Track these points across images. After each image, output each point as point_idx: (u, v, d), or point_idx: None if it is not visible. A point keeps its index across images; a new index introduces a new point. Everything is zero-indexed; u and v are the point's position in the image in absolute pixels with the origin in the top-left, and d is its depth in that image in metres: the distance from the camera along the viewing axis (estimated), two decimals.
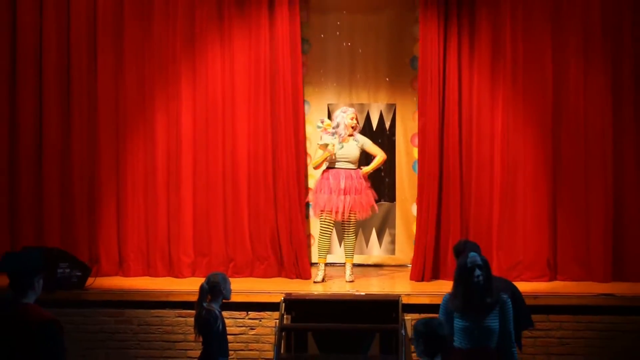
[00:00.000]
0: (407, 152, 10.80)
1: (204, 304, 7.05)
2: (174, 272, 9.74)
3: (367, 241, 10.76)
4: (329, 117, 10.51)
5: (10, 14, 9.95)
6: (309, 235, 10.81)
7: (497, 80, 9.68)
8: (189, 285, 8.88)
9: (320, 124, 9.64)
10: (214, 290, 7.05)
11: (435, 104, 9.63)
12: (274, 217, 9.88)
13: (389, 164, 10.75)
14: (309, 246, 10.18)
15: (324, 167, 9.67)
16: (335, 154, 9.51)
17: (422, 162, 9.82)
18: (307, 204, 10.51)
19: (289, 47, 9.85)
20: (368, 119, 10.83)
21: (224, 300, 7.13)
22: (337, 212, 9.41)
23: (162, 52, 9.91)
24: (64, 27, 9.91)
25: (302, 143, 10.07)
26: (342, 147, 9.54)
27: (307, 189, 10.21)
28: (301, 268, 9.71)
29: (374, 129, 10.79)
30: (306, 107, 10.78)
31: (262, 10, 9.97)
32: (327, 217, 9.49)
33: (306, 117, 10.88)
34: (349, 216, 9.45)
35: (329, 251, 9.71)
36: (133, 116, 9.92)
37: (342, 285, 9.30)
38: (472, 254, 5.99)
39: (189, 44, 9.87)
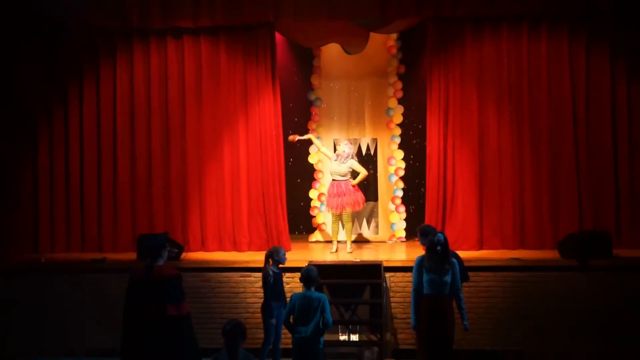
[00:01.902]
0: (385, 169, 10.85)
1: (266, 266, 7.31)
2: (236, 248, 9.72)
3: (360, 226, 10.83)
4: (334, 148, 10.50)
5: (129, 82, 9.95)
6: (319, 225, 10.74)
7: (448, 121, 9.69)
8: (247, 257, 9.14)
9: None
10: (272, 257, 7.35)
11: (434, 138, 9.61)
12: (273, 215, 9.77)
13: (373, 177, 10.82)
14: (287, 232, 9.88)
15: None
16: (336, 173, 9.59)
17: (430, 173, 9.69)
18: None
19: (273, 117, 9.74)
20: (360, 148, 10.91)
21: (280, 265, 7.33)
22: (336, 208, 9.54)
23: (227, 105, 9.85)
24: (163, 91, 9.92)
25: (283, 180, 9.93)
26: (339, 166, 9.59)
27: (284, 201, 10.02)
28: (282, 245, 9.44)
29: (364, 154, 10.90)
30: (319, 140, 10.61)
31: (262, 91, 9.83)
32: (333, 211, 9.62)
33: (320, 147, 10.61)
34: (344, 210, 9.54)
35: (338, 233, 9.74)
36: (209, 147, 9.88)
37: (345, 255, 9.33)
38: (439, 234, 6.37)
39: (244, 99, 9.83)
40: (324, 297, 6.24)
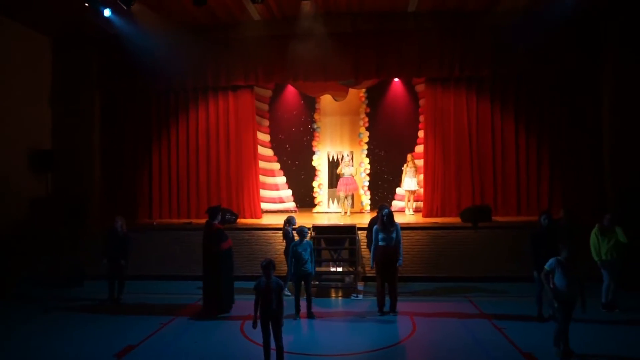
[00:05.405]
0: (358, 169, 10.69)
1: (285, 227, 7.24)
2: (257, 216, 9.65)
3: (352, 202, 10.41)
4: (335, 160, 10.54)
5: (206, 116, 9.84)
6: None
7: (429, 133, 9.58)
8: (274, 221, 9.01)
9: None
10: (288, 222, 7.28)
11: (431, 149, 9.44)
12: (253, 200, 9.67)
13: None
14: (259, 208, 9.69)
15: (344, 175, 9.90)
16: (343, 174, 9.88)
17: (427, 168, 9.48)
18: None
19: (252, 143, 9.65)
20: (344, 156, 10.53)
21: (293, 227, 7.28)
22: (345, 192, 9.79)
23: (247, 143, 9.73)
24: (226, 121, 9.70)
25: (258, 180, 9.80)
26: (347, 169, 9.86)
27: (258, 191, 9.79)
28: (254, 216, 9.59)
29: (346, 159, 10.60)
30: (318, 153, 10.82)
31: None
32: (341, 194, 9.82)
33: (320, 159, 10.78)
34: (348, 193, 9.79)
35: (344, 205, 9.95)
36: (250, 155, 9.76)
37: (335, 220, 9.32)
38: (385, 209, 6.36)
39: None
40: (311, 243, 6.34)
